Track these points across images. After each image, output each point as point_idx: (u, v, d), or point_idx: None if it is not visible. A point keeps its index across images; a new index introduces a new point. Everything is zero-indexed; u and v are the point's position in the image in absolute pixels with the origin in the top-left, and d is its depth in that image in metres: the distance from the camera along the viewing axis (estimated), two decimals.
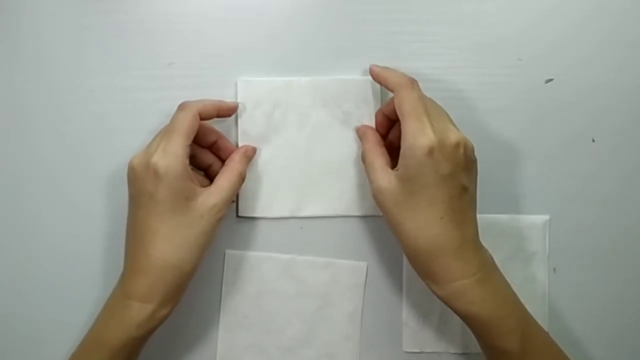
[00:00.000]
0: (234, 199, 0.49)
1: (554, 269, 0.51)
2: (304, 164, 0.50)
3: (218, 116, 0.47)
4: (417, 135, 0.41)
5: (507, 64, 0.51)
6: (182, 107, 0.45)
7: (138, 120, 0.50)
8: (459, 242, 0.41)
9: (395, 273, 0.50)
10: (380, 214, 0.49)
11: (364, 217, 0.50)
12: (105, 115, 0.50)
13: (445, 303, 0.42)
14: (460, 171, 0.42)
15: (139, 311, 0.42)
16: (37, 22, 0.50)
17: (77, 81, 0.50)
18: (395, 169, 0.43)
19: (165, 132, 0.44)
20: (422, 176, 0.41)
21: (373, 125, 0.49)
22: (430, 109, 0.43)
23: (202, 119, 0.45)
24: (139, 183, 0.42)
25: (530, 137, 0.51)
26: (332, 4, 0.50)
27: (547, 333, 0.44)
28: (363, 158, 0.46)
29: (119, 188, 0.50)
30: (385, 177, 0.43)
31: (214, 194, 0.44)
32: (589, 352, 0.50)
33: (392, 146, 0.47)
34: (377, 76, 0.47)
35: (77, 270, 0.50)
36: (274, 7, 0.51)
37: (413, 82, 0.44)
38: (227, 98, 0.49)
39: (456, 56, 0.50)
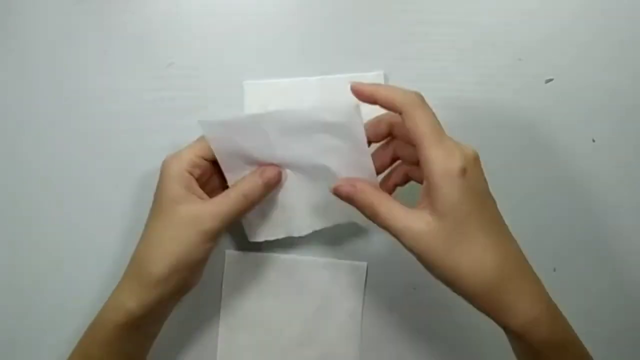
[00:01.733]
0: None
1: (554, 269, 0.51)
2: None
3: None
4: (447, 160, 0.36)
5: (507, 64, 0.51)
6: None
7: (138, 120, 0.50)
8: (520, 263, 0.38)
9: (395, 273, 0.50)
10: None
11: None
12: (105, 116, 0.50)
13: (520, 334, 0.37)
14: (486, 185, 0.39)
15: (116, 307, 0.42)
16: (38, 21, 0.50)
17: (78, 82, 0.50)
18: (422, 207, 0.38)
19: (194, 143, 0.44)
20: (465, 202, 0.36)
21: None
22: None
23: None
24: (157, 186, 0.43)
25: (530, 137, 0.51)
26: (331, 4, 0.50)
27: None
28: (374, 215, 0.39)
29: (119, 188, 0.50)
30: (417, 220, 0.37)
31: (214, 207, 0.41)
32: (589, 351, 0.50)
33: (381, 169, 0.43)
34: (369, 96, 0.39)
35: (79, 270, 0.50)
36: (274, 7, 0.51)
37: (422, 98, 0.38)
38: (230, 99, 0.50)
39: (456, 56, 0.50)
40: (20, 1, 0.50)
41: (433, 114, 0.38)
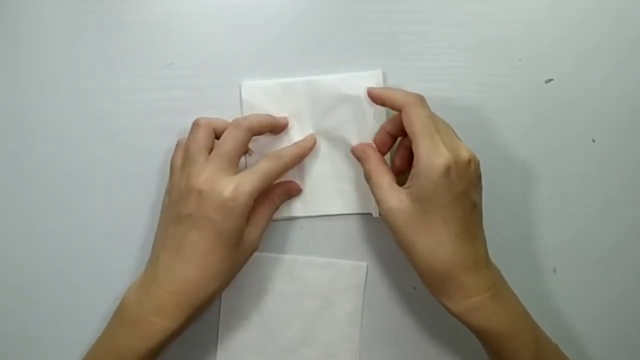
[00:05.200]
0: None
1: (554, 269, 0.51)
2: (312, 163, 0.50)
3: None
4: (432, 155, 0.40)
5: (507, 64, 0.51)
6: (270, 158, 0.45)
7: (138, 120, 0.50)
8: (472, 260, 0.42)
9: (395, 273, 0.50)
10: None
11: (364, 217, 0.50)
12: (105, 115, 0.50)
13: (459, 319, 0.42)
14: (472, 188, 0.42)
15: (163, 329, 0.42)
16: (38, 22, 0.50)
17: (77, 81, 0.50)
18: (406, 187, 0.42)
19: (249, 171, 0.43)
20: (438, 196, 0.40)
21: (374, 131, 0.48)
22: (440, 126, 0.43)
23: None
24: (205, 208, 0.42)
25: (530, 138, 0.51)
26: (331, 4, 0.50)
27: (557, 345, 0.44)
28: (367, 178, 0.45)
29: (119, 188, 0.50)
30: (395, 196, 0.42)
31: (255, 230, 0.45)
32: (589, 351, 0.50)
33: (393, 166, 0.47)
34: (379, 97, 0.45)
35: (80, 270, 0.50)
36: (273, 7, 0.51)
37: (422, 99, 0.43)
38: (229, 99, 0.50)
39: (456, 56, 0.50)
40: (20, 1, 0.50)
41: (429, 113, 0.43)
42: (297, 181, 0.50)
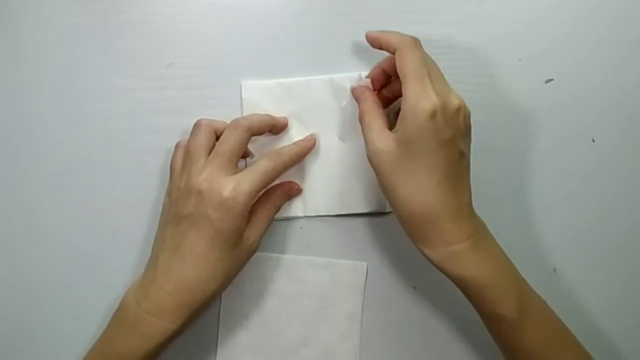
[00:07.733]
0: None
1: (554, 269, 0.51)
2: (312, 163, 0.50)
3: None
4: (420, 98, 0.40)
5: (507, 64, 0.51)
6: (270, 156, 0.45)
7: (138, 120, 0.50)
8: (454, 208, 0.41)
9: (395, 273, 0.50)
10: (385, 211, 0.49)
11: (364, 217, 0.50)
12: (105, 115, 0.50)
13: (439, 267, 0.42)
14: (459, 136, 0.41)
15: (162, 330, 0.41)
16: (38, 21, 0.50)
17: (78, 81, 0.50)
18: (394, 130, 0.42)
19: (248, 171, 0.43)
20: (422, 140, 0.40)
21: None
22: (432, 70, 0.42)
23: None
24: (205, 207, 0.42)
25: (530, 137, 0.51)
26: (331, 4, 0.51)
27: (544, 300, 0.44)
28: (360, 119, 0.45)
29: (119, 188, 0.50)
30: (382, 138, 0.42)
31: (255, 231, 0.45)
32: (589, 351, 0.50)
33: (387, 102, 0.47)
34: (375, 40, 0.45)
35: (80, 270, 0.50)
36: (273, 8, 0.51)
37: (416, 41, 0.43)
38: (229, 99, 0.50)
39: (456, 56, 0.50)
40: (20, 1, 0.50)
41: (422, 56, 0.42)
42: (297, 181, 0.50)
